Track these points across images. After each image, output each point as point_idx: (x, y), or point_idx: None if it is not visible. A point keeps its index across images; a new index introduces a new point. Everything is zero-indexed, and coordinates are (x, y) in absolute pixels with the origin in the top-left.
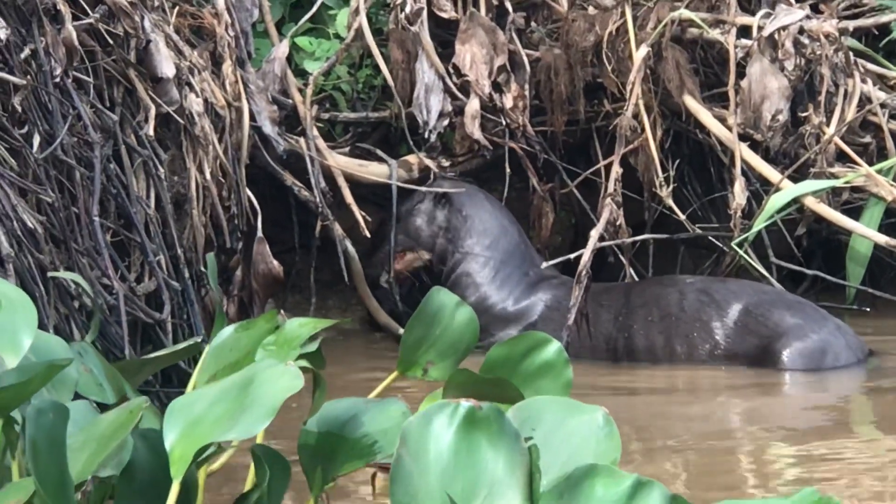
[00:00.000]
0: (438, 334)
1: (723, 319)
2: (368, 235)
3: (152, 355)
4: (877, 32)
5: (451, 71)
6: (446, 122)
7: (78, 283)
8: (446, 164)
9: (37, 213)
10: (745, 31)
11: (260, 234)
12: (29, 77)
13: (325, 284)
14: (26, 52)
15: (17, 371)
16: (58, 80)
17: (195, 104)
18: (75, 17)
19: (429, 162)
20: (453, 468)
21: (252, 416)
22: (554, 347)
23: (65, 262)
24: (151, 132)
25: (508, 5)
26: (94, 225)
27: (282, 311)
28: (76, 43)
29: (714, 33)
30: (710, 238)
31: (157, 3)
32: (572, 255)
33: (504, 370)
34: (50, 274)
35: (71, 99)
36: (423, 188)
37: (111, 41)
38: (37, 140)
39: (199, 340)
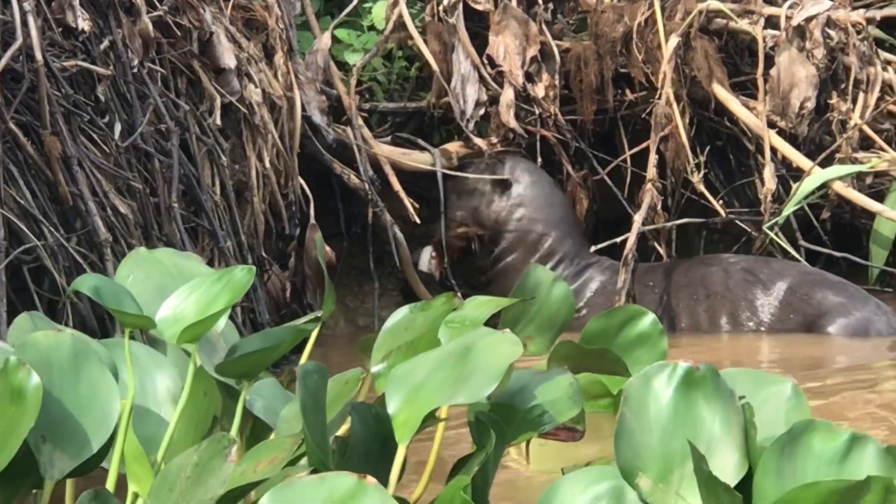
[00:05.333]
0: (536, 310)
1: (768, 298)
2: (418, 221)
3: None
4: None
5: (486, 61)
6: (482, 112)
7: None
8: (495, 140)
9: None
10: (768, 21)
11: (312, 220)
12: (111, 67)
13: (361, 270)
14: (105, 43)
15: (262, 337)
16: (135, 70)
17: (254, 94)
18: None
19: (479, 141)
20: (673, 426)
21: (478, 380)
22: (649, 319)
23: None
24: (219, 121)
25: None
26: (174, 212)
27: (458, 294)
28: (152, 34)
29: (742, 23)
30: (736, 222)
31: None
32: (619, 239)
33: (602, 342)
34: None
35: (148, 89)
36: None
37: (178, 33)
38: (118, 129)
39: (318, 317)
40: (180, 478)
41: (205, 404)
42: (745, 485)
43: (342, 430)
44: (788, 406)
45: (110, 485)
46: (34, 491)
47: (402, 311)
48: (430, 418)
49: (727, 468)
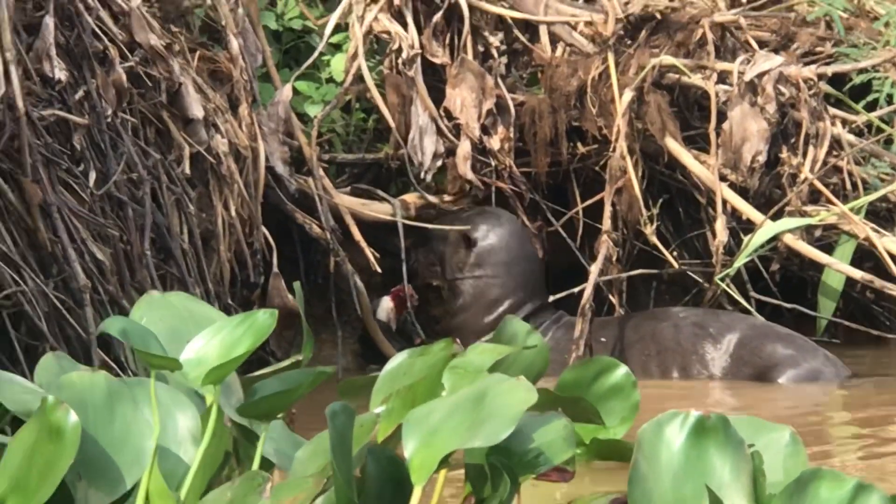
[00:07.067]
0: (511, 361)
1: (718, 351)
2: (379, 270)
3: (258, 373)
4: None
5: (443, 114)
6: (440, 163)
7: None
8: (448, 198)
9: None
10: (719, 76)
11: (276, 269)
12: (86, 117)
13: (317, 319)
14: (80, 93)
15: (281, 380)
16: (109, 119)
17: (221, 144)
18: None
19: (432, 199)
20: (684, 472)
21: (494, 424)
22: (622, 371)
23: (117, 296)
24: (188, 171)
25: (494, 51)
26: (146, 259)
27: (457, 340)
28: (126, 85)
29: (695, 78)
30: (685, 273)
31: (177, 49)
32: (576, 290)
33: (576, 392)
34: None
35: (121, 138)
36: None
37: (149, 83)
38: (92, 177)
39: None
40: None
41: (217, 442)
42: None
43: None
44: (787, 452)
45: None
46: None
47: (401, 356)
48: (445, 462)
49: None
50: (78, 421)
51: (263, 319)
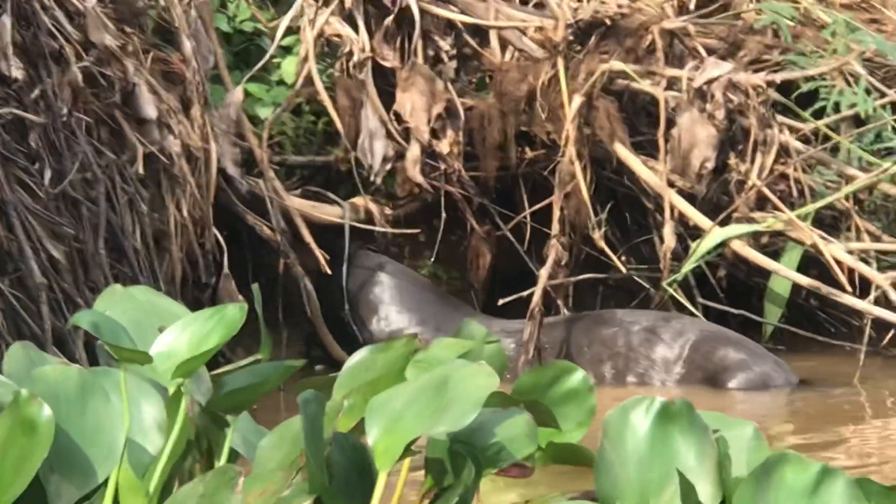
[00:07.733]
0: (474, 357)
1: (671, 356)
2: (329, 272)
3: (219, 371)
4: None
5: (393, 117)
6: (389, 167)
7: None
8: (388, 211)
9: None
10: (668, 83)
11: (226, 270)
12: (41, 116)
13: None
14: (36, 91)
15: (250, 373)
16: (64, 118)
17: (174, 145)
18: None
19: (373, 206)
20: (649, 458)
21: (457, 409)
22: (579, 376)
23: (72, 294)
24: (141, 170)
25: (444, 55)
26: (100, 258)
27: (419, 336)
28: (81, 84)
29: (644, 84)
30: (632, 279)
31: (131, 49)
32: (524, 293)
33: (532, 396)
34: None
35: (76, 137)
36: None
37: (103, 83)
38: (48, 176)
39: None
40: None
41: (182, 432)
42: None
43: None
44: (750, 447)
45: None
46: None
47: (363, 352)
48: (409, 449)
49: (702, 499)
50: (51, 415)
51: (233, 313)
